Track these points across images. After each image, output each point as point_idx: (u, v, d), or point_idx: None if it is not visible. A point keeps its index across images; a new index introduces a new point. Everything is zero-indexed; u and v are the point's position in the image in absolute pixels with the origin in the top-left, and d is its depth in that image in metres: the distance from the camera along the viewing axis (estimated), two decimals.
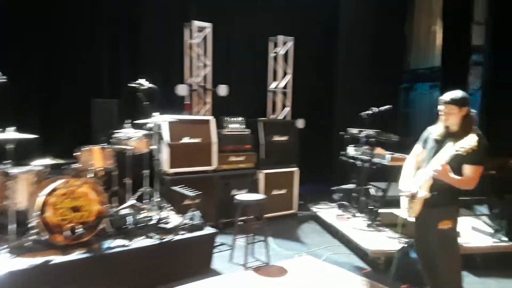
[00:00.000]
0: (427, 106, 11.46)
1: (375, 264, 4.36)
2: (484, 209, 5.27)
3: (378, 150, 5.06)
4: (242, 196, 4.40)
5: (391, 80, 8.37)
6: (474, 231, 4.91)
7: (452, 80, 7.53)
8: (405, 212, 3.25)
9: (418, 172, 3.15)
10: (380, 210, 5.16)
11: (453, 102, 2.96)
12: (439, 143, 3.05)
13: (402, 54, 9.27)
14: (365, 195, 5.61)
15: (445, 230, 3.02)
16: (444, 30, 7.96)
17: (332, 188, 6.37)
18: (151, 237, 3.87)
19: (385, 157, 4.83)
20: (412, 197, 3.10)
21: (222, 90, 6.13)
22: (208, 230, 4.27)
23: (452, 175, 2.86)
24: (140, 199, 4.62)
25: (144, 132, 4.55)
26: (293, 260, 4.50)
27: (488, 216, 5.09)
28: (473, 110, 3.04)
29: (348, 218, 5.47)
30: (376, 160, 4.98)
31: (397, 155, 4.96)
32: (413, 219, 3.26)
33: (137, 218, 4.13)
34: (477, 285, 3.94)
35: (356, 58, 7.97)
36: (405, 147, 5.32)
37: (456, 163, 2.89)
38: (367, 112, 5.27)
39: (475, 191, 3.02)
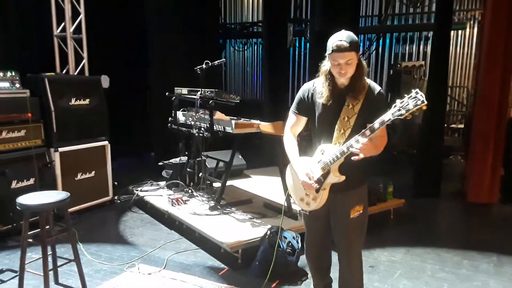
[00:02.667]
0: (241, 64, 11.18)
1: (232, 261, 3.40)
2: None
3: (218, 115, 4.00)
4: (29, 197, 2.64)
5: (208, 35, 7.31)
6: None
7: (275, 35, 7.12)
8: (304, 204, 2.34)
9: (318, 149, 2.26)
10: (221, 185, 4.19)
11: (354, 47, 2.09)
12: (332, 107, 2.21)
13: (216, 7, 8.37)
14: (199, 169, 4.55)
15: (357, 217, 2.28)
16: None
17: (160, 163, 5.06)
18: None
19: (229, 123, 3.80)
20: (319, 184, 2.21)
21: None
22: None
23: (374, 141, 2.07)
24: None
25: None
26: (120, 278, 3.11)
27: None
28: None
29: (185, 200, 4.31)
30: (218, 127, 3.91)
31: (241, 120, 4.01)
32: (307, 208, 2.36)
33: None
34: None
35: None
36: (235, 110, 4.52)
37: (361, 121, 2.16)
38: (201, 66, 4.09)
39: None
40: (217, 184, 4.55)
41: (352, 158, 2.06)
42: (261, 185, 5.17)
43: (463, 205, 5.12)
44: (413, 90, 1.90)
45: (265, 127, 3.83)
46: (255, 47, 10.72)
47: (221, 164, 4.66)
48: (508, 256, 3.57)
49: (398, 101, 1.93)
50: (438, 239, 4.01)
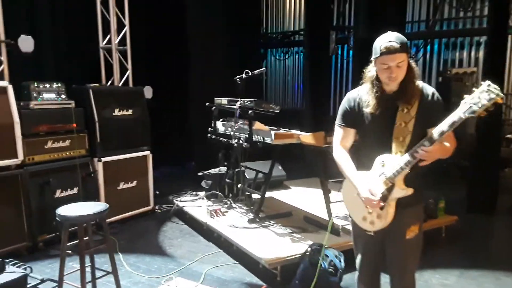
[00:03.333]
0: (282, 73, 11.10)
1: (271, 278, 3.26)
2: None
3: (258, 125, 3.90)
4: (69, 208, 2.65)
5: (248, 45, 7.27)
6: None
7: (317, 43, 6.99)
8: (368, 224, 2.15)
9: (377, 162, 2.08)
10: (260, 196, 4.08)
11: (405, 48, 1.93)
12: (385, 114, 2.03)
13: (258, 17, 8.35)
14: (238, 180, 4.48)
15: (412, 238, 2.10)
16: None
17: (199, 173, 5.04)
18: None
19: (269, 133, 3.69)
20: (383, 200, 2.03)
21: (26, 43, 4.03)
22: (12, 272, 2.53)
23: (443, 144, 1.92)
24: None
25: None
26: None
27: None
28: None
29: (224, 212, 4.24)
30: (257, 137, 3.82)
31: (281, 130, 3.89)
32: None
33: None
34: None
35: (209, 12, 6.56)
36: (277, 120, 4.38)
37: (419, 127, 1.99)
38: (240, 76, 4.03)
39: None
40: (256, 196, 4.45)
41: (420, 164, 1.89)
42: (301, 197, 5.01)
43: None
44: (482, 83, 1.69)
45: (306, 137, 3.69)
46: (296, 56, 10.60)
47: (260, 175, 4.56)
48: None
49: (467, 97, 1.73)
50: (496, 260, 3.67)
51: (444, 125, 1.80)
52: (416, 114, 1.99)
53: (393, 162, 2.00)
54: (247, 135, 3.85)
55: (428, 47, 8.45)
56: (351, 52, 8.96)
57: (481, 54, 8.03)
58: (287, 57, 10.69)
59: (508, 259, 3.75)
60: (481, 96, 1.67)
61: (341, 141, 2.21)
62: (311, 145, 3.70)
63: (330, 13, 8.35)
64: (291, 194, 5.24)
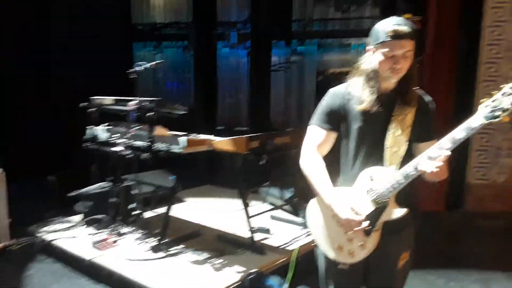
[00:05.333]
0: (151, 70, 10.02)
1: None
2: (274, 190, 4.32)
3: (160, 130, 3.14)
4: None
5: (115, 37, 6.31)
6: (277, 222, 3.90)
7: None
8: (345, 255, 1.70)
9: (364, 175, 1.67)
10: (164, 216, 3.32)
11: (414, 35, 1.58)
12: (378, 116, 1.66)
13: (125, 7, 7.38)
14: (128, 198, 3.63)
15: (403, 266, 1.75)
16: None
17: (71, 193, 3.94)
18: None
19: (177, 140, 2.97)
20: (372, 224, 1.62)
21: None
22: None
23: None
24: None
25: None
26: None
27: (285, 199, 4.16)
28: None
29: (113, 241, 3.34)
30: (161, 146, 3.05)
31: (192, 136, 3.19)
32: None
33: None
34: None
35: None
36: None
37: (414, 138, 1.68)
38: (135, 69, 3.21)
39: None
40: (151, 214, 3.67)
41: (427, 178, 1.53)
42: (202, 211, 4.36)
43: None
44: (505, 86, 1.41)
45: (222, 143, 3.09)
46: (169, 51, 9.74)
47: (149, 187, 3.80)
48: (492, 272, 3.31)
49: (487, 100, 1.43)
50: (421, 259, 3.65)
51: (460, 130, 1.46)
52: (413, 122, 1.66)
53: (386, 176, 1.61)
54: (146, 143, 3.05)
55: (305, 47, 8.64)
56: (228, 49, 8.60)
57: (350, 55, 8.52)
58: (157, 52, 9.76)
59: (434, 257, 3.77)
60: (503, 100, 1.39)
61: (318, 146, 1.74)
62: (227, 151, 3.13)
63: (214, 8, 7.89)
64: (189, 208, 4.52)
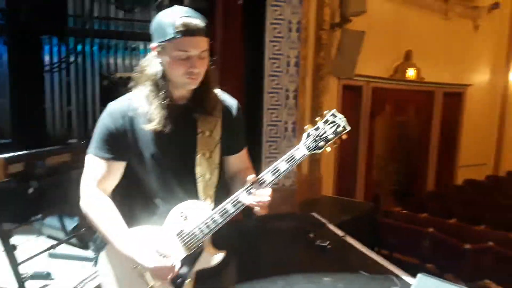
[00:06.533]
0: None
1: None
2: (53, 220, 3.43)
3: None
4: None
5: None
6: (60, 260, 3.10)
7: None
8: None
9: (174, 213, 1.32)
10: None
11: (209, 32, 1.29)
12: (179, 136, 1.33)
13: None
14: None
15: None
16: None
17: None
18: None
19: None
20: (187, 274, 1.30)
21: None
22: None
23: None
24: None
25: None
26: None
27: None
28: None
29: None
30: None
31: None
32: None
33: None
34: None
35: None
36: None
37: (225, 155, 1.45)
38: None
39: None
40: None
41: (256, 212, 1.28)
42: None
43: None
44: (327, 112, 1.27)
45: None
46: None
47: None
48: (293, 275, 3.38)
49: (309, 128, 1.26)
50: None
51: (282, 163, 1.27)
52: (221, 138, 1.38)
53: (200, 214, 1.30)
54: None
55: (87, 47, 7.61)
56: None
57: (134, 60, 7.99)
58: None
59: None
60: (326, 128, 1.25)
61: (99, 181, 1.31)
62: None
63: None
64: None
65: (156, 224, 1.31)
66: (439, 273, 4.06)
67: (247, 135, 1.46)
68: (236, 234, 1.54)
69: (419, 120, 8.73)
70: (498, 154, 9.92)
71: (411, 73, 8.04)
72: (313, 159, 5.32)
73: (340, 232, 4.31)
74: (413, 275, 3.27)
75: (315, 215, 4.82)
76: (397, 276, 3.31)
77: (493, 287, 3.54)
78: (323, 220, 4.66)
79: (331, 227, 4.49)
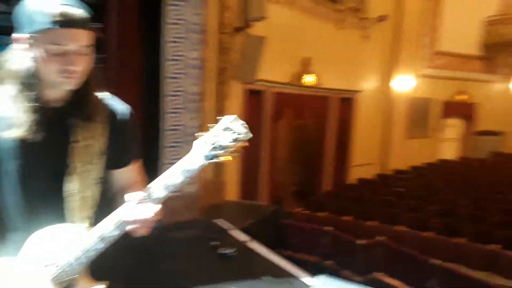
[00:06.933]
0: None
1: None
2: None
3: None
4: None
5: None
6: None
7: None
8: None
9: (32, 242, 1.09)
10: None
11: (90, 24, 1.10)
12: (48, 146, 1.11)
13: None
14: None
15: None
16: None
17: None
18: None
19: None
20: None
21: None
22: None
23: None
24: None
25: None
26: None
27: None
28: None
29: None
30: None
31: None
32: None
33: None
34: None
35: None
36: None
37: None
38: None
39: None
40: None
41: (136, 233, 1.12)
42: None
43: None
44: (222, 118, 1.13)
45: None
46: None
47: None
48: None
49: (206, 135, 1.10)
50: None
51: (176, 175, 1.12)
52: (108, 148, 1.19)
53: (72, 239, 1.09)
54: None
55: None
56: None
57: None
58: None
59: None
60: (224, 135, 1.11)
61: None
62: None
63: None
64: None
65: (13, 255, 1.07)
66: (338, 270, 4.27)
67: (145, 141, 1.27)
68: (125, 253, 1.36)
69: (316, 124, 9.20)
70: (385, 154, 10.93)
71: (310, 79, 8.43)
72: (217, 164, 5.21)
73: (244, 237, 4.27)
74: (314, 274, 3.38)
75: (218, 221, 4.72)
76: (296, 279, 3.35)
77: (384, 279, 3.79)
78: (227, 226, 4.58)
79: (235, 232, 4.43)
